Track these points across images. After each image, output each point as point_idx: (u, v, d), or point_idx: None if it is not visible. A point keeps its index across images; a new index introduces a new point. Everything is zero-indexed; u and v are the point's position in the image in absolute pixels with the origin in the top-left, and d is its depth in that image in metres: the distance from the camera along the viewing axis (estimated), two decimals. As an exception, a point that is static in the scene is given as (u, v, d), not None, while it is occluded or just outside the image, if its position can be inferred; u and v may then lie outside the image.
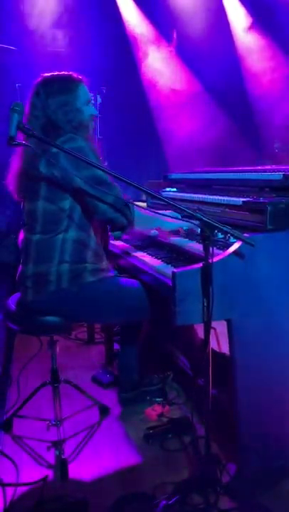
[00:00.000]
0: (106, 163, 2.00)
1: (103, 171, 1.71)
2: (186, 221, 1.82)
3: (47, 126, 1.90)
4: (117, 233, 2.16)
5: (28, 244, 1.95)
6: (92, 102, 2.06)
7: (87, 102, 2.00)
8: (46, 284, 1.89)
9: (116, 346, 2.91)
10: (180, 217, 2.07)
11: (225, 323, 1.70)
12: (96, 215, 1.92)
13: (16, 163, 1.96)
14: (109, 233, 2.22)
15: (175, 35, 4.55)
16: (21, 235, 2.02)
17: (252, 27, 4.62)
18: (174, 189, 2.77)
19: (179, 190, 2.73)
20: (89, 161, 1.66)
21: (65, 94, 1.93)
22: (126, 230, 2.03)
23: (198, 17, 4.49)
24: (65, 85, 1.95)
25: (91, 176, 1.82)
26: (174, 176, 2.95)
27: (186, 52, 4.57)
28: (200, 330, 2.01)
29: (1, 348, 2.87)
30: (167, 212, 2.15)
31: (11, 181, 1.98)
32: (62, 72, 2.00)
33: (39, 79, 1.98)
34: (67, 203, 1.88)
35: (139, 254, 2.16)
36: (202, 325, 1.62)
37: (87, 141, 1.91)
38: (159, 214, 2.00)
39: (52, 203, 1.88)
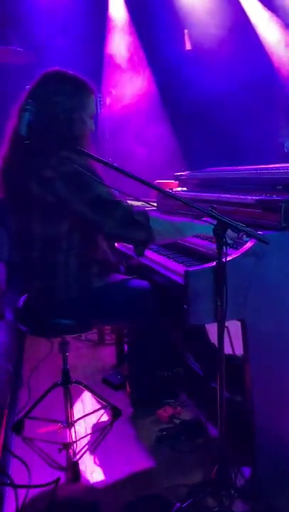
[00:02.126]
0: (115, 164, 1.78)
1: (113, 167, 1.61)
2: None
3: (44, 128, 1.67)
4: (139, 250, 1.91)
5: (28, 262, 1.85)
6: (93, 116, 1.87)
7: (92, 116, 1.85)
8: (55, 295, 1.85)
9: (126, 347, 2.89)
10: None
11: (238, 323, 1.68)
12: (104, 236, 1.81)
13: (3, 158, 1.77)
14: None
15: (186, 37, 4.52)
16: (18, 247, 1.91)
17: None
18: (185, 188, 2.75)
19: (190, 190, 2.71)
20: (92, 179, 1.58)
21: (77, 99, 1.76)
22: (146, 246, 1.86)
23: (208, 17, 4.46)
24: (80, 89, 1.78)
25: (93, 197, 1.68)
26: (184, 175, 2.92)
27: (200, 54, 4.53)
28: (212, 330, 1.99)
29: (12, 350, 2.86)
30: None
31: None
32: (77, 75, 1.81)
33: (52, 69, 1.79)
34: (65, 226, 1.75)
35: (150, 254, 2.14)
36: (215, 325, 1.60)
37: (83, 156, 1.70)
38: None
39: (48, 227, 1.76)
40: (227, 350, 2.13)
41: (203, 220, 1.84)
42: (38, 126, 1.62)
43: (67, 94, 1.75)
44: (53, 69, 1.81)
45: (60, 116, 1.73)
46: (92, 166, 1.69)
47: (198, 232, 1.89)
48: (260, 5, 4.56)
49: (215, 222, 1.57)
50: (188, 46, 4.44)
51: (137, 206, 1.80)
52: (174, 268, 1.85)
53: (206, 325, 2.21)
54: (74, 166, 1.65)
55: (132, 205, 1.78)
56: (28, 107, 1.58)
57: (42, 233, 1.78)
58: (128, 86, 4.57)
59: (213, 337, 1.73)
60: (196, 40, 4.46)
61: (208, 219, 1.80)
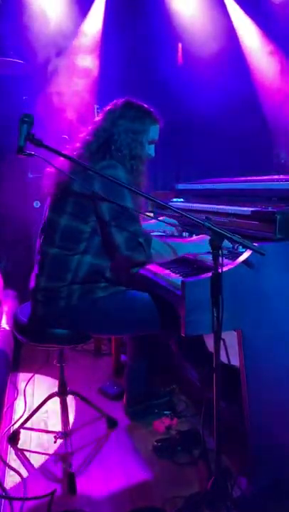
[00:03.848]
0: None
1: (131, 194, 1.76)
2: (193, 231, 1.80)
3: (104, 143, 1.92)
4: (133, 269, 2.05)
5: (44, 257, 1.94)
6: (155, 143, 2.08)
7: (151, 142, 2.03)
8: (56, 300, 1.88)
9: (123, 357, 2.89)
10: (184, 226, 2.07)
11: (234, 333, 1.69)
12: (111, 249, 1.89)
13: (61, 162, 1.88)
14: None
15: (180, 50, 4.57)
16: (38, 243, 2.00)
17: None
18: (181, 199, 2.77)
19: (187, 201, 2.73)
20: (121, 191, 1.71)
21: (138, 124, 1.96)
22: (141, 267, 2.00)
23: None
24: (141, 116, 1.98)
25: (118, 206, 1.81)
26: (181, 186, 2.95)
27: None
28: (209, 341, 1.99)
29: (8, 359, 2.85)
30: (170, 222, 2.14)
31: (49, 178, 1.96)
32: (146, 106, 2.03)
33: (123, 99, 2.02)
34: (89, 226, 1.87)
35: (148, 265, 2.15)
36: (211, 335, 1.61)
37: (130, 174, 1.90)
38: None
39: (75, 222, 1.87)
40: (223, 360, 2.14)
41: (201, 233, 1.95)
42: (101, 141, 1.92)
43: (129, 119, 1.96)
44: (123, 98, 2.03)
45: (123, 135, 1.93)
46: (132, 184, 1.82)
47: (190, 252, 2.00)
48: (255, 28, 4.63)
49: (205, 240, 1.82)
50: (180, 60, 4.48)
51: (146, 231, 1.92)
52: (171, 279, 1.86)
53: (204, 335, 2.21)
54: (117, 172, 1.80)
55: (141, 228, 1.88)
56: (26, 119, 1.60)
57: (66, 226, 1.88)
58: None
59: (211, 346, 1.73)
60: (190, 54, 4.51)
61: (199, 238, 2.00)
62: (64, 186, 1.89)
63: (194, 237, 2.10)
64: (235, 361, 1.84)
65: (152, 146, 2.06)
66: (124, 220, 1.83)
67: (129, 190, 1.77)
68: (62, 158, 1.77)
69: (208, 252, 1.99)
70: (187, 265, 2.01)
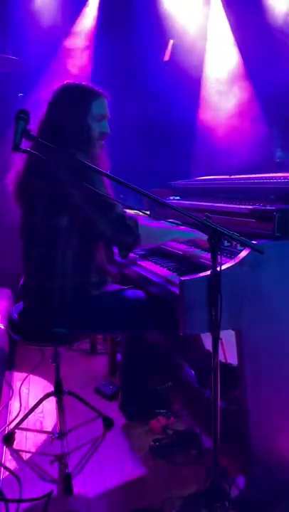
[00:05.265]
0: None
1: (107, 175, 1.67)
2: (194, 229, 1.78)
3: (52, 132, 1.82)
4: (123, 254, 2.01)
5: (28, 259, 1.90)
6: (107, 118, 1.94)
7: (100, 119, 1.91)
8: (50, 300, 1.85)
9: (119, 357, 2.87)
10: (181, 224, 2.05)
11: (232, 332, 1.68)
12: (96, 235, 1.84)
13: (18, 167, 1.89)
14: (116, 251, 2.08)
15: (170, 47, 4.54)
16: (21, 249, 1.95)
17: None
18: (178, 197, 2.75)
19: (183, 199, 2.71)
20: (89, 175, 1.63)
21: (77, 105, 1.87)
22: (131, 250, 1.96)
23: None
24: (79, 96, 1.88)
25: (90, 193, 1.72)
26: (177, 184, 2.93)
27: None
28: (207, 340, 1.98)
29: (3, 358, 2.83)
30: (170, 220, 2.12)
31: (11, 183, 1.91)
32: (84, 83, 1.94)
33: (60, 84, 1.92)
34: (65, 218, 1.80)
35: (144, 263, 2.14)
36: (209, 334, 1.59)
37: (90, 157, 1.78)
38: (170, 223, 1.95)
39: (50, 218, 1.81)
40: (220, 358, 2.13)
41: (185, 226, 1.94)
42: (46, 134, 1.74)
43: (68, 103, 1.87)
44: (61, 83, 1.93)
45: (66, 121, 1.84)
46: (98, 168, 1.73)
47: (177, 237, 2.03)
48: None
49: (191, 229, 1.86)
50: (166, 57, 4.41)
51: (129, 213, 1.86)
52: (169, 277, 1.85)
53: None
54: (78, 160, 1.69)
55: (124, 211, 1.84)
56: (22, 115, 1.58)
57: (42, 226, 1.82)
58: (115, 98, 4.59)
59: (208, 344, 1.72)
60: (181, 52, 4.49)
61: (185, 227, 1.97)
62: (30, 184, 1.83)
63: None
64: (232, 359, 1.84)
65: (104, 122, 1.92)
66: (106, 205, 1.76)
67: (102, 174, 1.69)
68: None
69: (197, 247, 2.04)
70: (182, 262, 2.00)
